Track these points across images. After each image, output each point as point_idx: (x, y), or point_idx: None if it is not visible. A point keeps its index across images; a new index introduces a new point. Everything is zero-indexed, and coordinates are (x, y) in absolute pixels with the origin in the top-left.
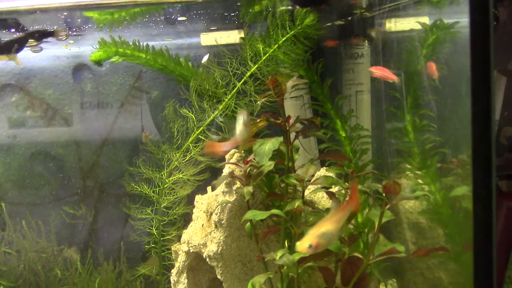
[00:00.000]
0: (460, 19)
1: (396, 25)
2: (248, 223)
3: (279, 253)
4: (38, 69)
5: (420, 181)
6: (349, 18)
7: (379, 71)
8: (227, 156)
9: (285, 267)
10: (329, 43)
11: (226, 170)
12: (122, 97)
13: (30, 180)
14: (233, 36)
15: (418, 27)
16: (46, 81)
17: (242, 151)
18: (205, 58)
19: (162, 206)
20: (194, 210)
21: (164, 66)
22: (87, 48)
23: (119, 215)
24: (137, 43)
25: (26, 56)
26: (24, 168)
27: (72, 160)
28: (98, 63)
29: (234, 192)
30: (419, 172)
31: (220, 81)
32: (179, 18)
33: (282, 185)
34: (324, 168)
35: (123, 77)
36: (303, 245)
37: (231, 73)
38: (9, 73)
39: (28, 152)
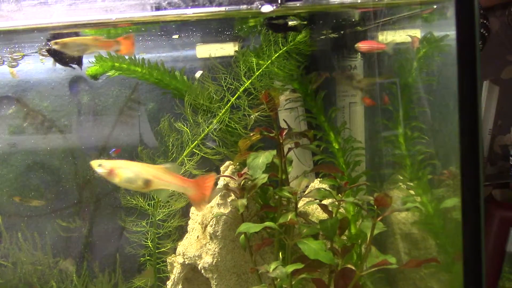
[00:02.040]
0: (450, 32)
1: (388, 38)
2: (243, 236)
3: (273, 265)
4: (35, 81)
5: (412, 192)
6: (342, 32)
7: (366, 45)
8: (222, 169)
9: (279, 279)
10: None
11: (220, 183)
12: (118, 109)
13: (26, 191)
14: (228, 49)
15: (410, 40)
16: (43, 93)
17: (237, 164)
18: (198, 74)
19: (157, 219)
20: (189, 222)
21: (160, 80)
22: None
23: (114, 227)
24: (132, 58)
25: (23, 69)
26: (20, 179)
27: (68, 172)
28: (94, 77)
29: (229, 205)
30: (411, 184)
31: (214, 95)
32: (174, 36)
33: (276, 197)
34: (318, 179)
35: (119, 89)
36: (94, 163)
37: (225, 88)
38: (6, 85)
39: (24, 164)
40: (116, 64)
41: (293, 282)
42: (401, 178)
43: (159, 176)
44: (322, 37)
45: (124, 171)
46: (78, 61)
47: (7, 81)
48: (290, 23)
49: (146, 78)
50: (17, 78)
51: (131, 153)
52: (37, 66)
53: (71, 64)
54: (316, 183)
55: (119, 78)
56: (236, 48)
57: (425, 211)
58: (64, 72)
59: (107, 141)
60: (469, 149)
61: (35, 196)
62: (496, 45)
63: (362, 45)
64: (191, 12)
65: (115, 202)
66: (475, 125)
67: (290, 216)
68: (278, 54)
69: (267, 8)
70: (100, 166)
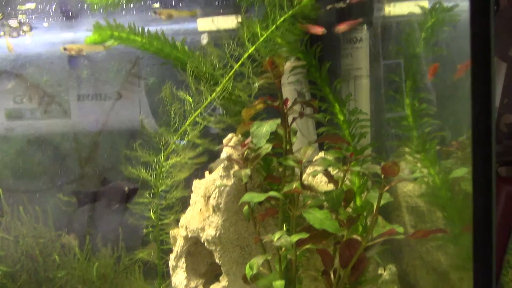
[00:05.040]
0: (460, 3)
1: (395, 9)
2: (246, 206)
3: (277, 235)
4: (34, 55)
5: (419, 164)
6: (347, 2)
7: (342, 26)
8: (224, 141)
9: (283, 249)
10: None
11: (223, 154)
12: (119, 84)
13: (27, 167)
14: (230, 21)
15: (418, 10)
16: (42, 68)
17: (240, 136)
18: (204, 39)
19: (160, 190)
20: (192, 195)
21: (160, 50)
22: (82, 34)
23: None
24: (132, 26)
25: (22, 43)
26: (21, 155)
27: (69, 146)
28: None
29: (232, 176)
30: (418, 156)
31: (217, 63)
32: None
33: (280, 168)
34: (323, 151)
35: (120, 63)
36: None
37: (228, 55)
38: (4, 60)
39: (24, 140)
40: (115, 33)
41: (298, 253)
42: (408, 150)
43: None
44: (328, 7)
45: None
46: None
47: (5, 56)
48: None
49: (146, 48)
50: (14, 53)
51: (132, 130)
52: (35, 40)
53: None
54: (321, 155)
55: (119, 52)
56: (239, 20)
57: (432, 182)
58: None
59: (107, 116)
60: (481, 120)
61: (36, 171)
62: (504, 21)
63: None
64: None
65: (118, 176)
66: (488, 97)
67: (295, 185)
68: (283, 18)
69: None
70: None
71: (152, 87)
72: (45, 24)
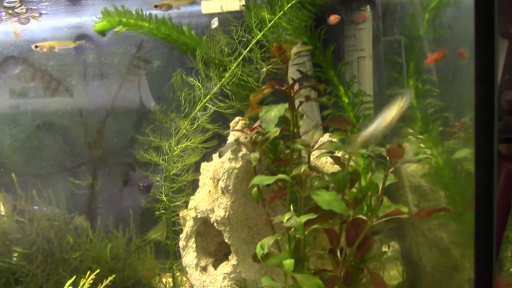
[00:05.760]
0: None
1: None
2: (255, 188)
3: (287, 216)
4: (40, 40)
5: (422, 145)
6: None
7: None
8: (231, 124)
9: (292, 229)
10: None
11: (231, 138)
12: (124, 67)
13: (37, 150)
14: (233, 4)
15: None
16: (48, 52)
17: (247, 119)
18: (214, 24)
19: (171, 173)
20: (200, 177)
21: (168, 35)
22: (87, 18)
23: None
24: (140, 12)
25: (28, 28)
26: (30, 139)
27: (78, 130)
28: (102, 33)
29: (240, 159)
30: (421, 137)
31: (226, 49)
32: None
33: (287, 151)
34: (328, 134)
35: (125, 47)
36: None
37: (236, 41)
38: (11, 45)
39: (33, 124)
40: (123, 19)
41: (306, 233)
42: (411, 131)
43: None
44: None
45: None
46: None
47: (12, 41)
48: None
49: (153, 34)
50: (21, 38)
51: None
52: (41, 25)
53: None
54: (326, 138)
55: (125, 36)
56: (243, 3)
57: (435, 163)
58: (69, 31)
59: (114, 99)
60: (484, 98)
61: (45, 155)
62: None
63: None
64: None
65: (128, 159)
66: (491, 74)
67: (303, 167)
68: (291, 4)
69: None
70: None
71: (157, 70)
72: (51, 9)
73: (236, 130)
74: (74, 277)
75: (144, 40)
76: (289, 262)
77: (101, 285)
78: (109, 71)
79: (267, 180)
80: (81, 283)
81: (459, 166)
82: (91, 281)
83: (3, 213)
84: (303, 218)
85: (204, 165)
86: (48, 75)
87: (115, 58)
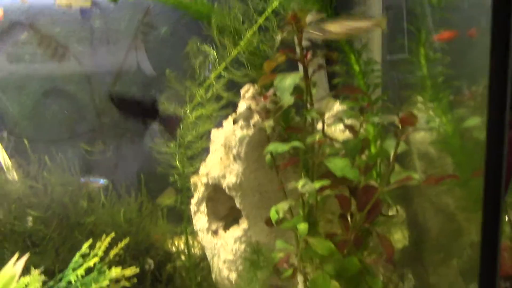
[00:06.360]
0: None
1: None
2: (269, 155)
3: (301, 182)
4: (46, 6)
5: (431, 113)
6: None
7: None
8: (242, 92)
9: (306, 195)
10: None
11: (243, 105)
12: (131, 33)
13: (46, 117)
14: None
15: None
16: (55, 19)
17: (258, 87)
18: None
19: (186, 140)
20: (211, 144)
21: (179, 2)
22: None
23: (139, 150)
24: None
25: None
26: (38, 105)
27: (87, 96)
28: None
29: (252, 126)
30: (430, 105)
31: (240, 16)
32: None
33: (298, 119)
34: (337, 101)
35: (132, 13)
36: None
37: (252, 8)
38: (17, 10)
39: (41, 90)
40: None
41: (319, 198)
42: (421, 99)
43: None
44: None
45: None
46: None
47: (18, 6)
48: None
49: (165, 1)
50: (26, 3)
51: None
52: None
53: None
54: (336, 106)
55: (131, 1)
56: None
57: (444, 131)
58: None
59: (121, 66)
60: (499, 67)
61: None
62: None
63: None
64: None
65: (140, 126)
66: (508, 42)
67: (318, 136)
68: None
69: None
70: None
71: (164, 36)
72: None
73: (248, 98)
74: (90, 240)
75: (150, 5)
76: (303, 226)
77: (116, 247)
78: (115, 37)
79: (281, 147)
80: (97, 246)
81: (468, 134)
82: (107, 245)
83: (16, 179)
84: (317, 184)
85: (214, 131)
86: (54, 40)
87: (122, 23)
